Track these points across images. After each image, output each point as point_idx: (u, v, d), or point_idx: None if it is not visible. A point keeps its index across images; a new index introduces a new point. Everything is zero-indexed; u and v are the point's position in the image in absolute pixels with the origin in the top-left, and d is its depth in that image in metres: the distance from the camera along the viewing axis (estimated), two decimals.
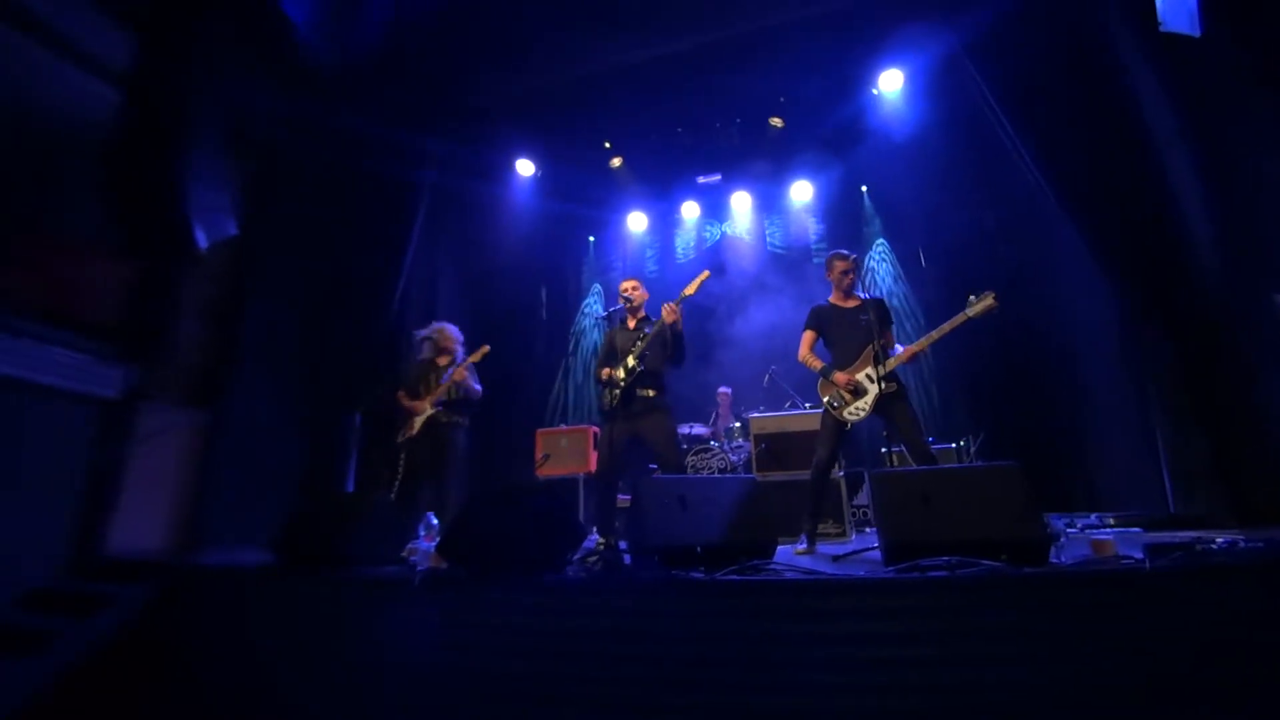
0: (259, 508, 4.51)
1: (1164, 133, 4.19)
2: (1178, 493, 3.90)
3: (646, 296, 4.19)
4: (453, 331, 4.73)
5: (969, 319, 3.49)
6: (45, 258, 3.91)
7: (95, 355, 3.99)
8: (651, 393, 3.85)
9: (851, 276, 3.84)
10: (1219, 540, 2.31)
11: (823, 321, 3.87)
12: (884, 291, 7.21)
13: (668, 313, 3.73)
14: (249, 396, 4.85)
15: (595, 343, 8.36)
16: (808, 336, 3.89)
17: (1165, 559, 2.07)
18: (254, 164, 5.14)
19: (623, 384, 3.81)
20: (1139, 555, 2.18)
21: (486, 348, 4.67)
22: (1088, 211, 4.45)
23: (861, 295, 3.87)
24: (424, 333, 4.73)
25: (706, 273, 3.94)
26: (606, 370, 3.93)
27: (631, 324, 4.11)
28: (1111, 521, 3.86)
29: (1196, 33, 3.47)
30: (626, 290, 4.12)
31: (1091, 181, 4.44)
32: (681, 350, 3.89)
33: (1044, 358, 5.73)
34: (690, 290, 3.85)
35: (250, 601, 3.02)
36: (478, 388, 4.58)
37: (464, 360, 4.59)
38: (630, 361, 3.85)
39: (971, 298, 3.50)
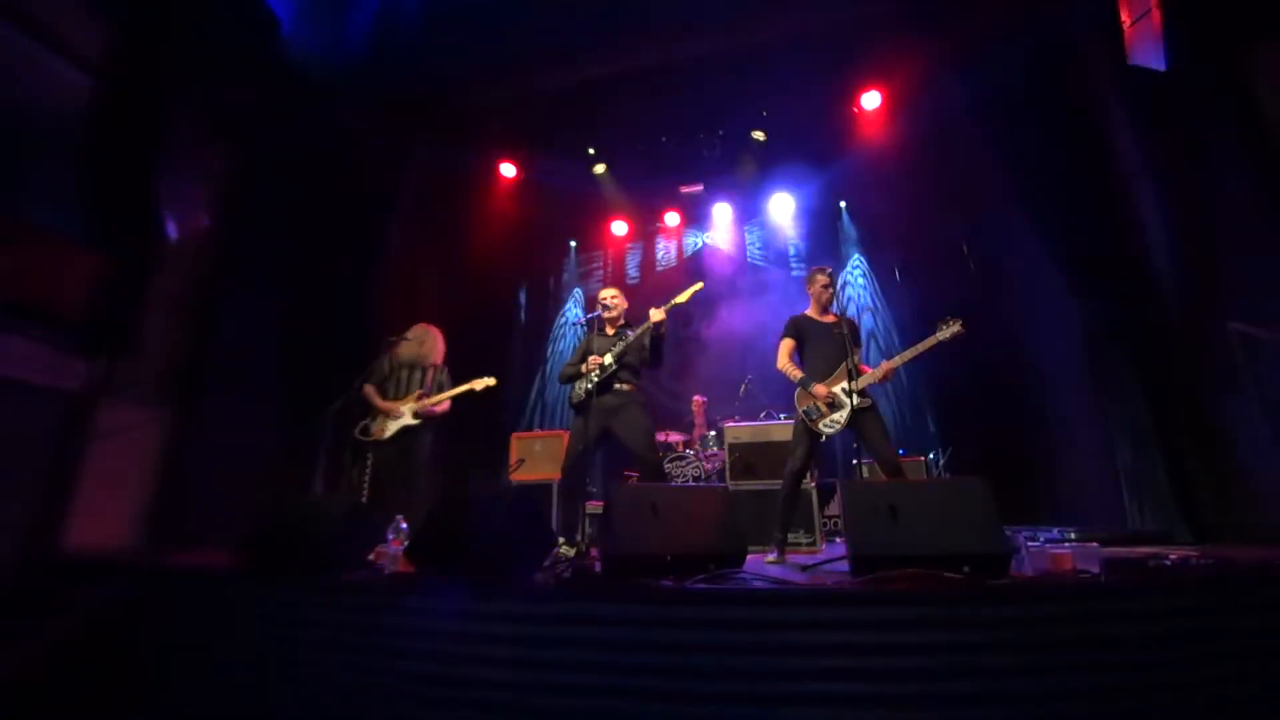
0: (226, 507, 4.42)
1: (1131, 159, 4.34)
2: (1135, 509, 4.02)
3: (626, 306, 4.22)
4: (437, 338, 4.67)
5: (939, 342, 3.62)
6: (6, 246, 3.80)
7: (58, 347, 3.89)
8: (628, 386, 3.86)
9: (831, 291, 3.94)
10: (1172, 557, 2.39)
11: (801, 332, 3.93)
12: (859, 306, 7.33)
13: (656, 314, 3.78)
14: (219, 393, 4.76)
15: (573, 348, 8.35)
16: (786, 344, 3.94)
17: (1120, 574, 2.14)
18: (231, 157, 5.06)
19: (598, 378, 3.81)
20: (1095, 570, 2.25)
21: (492, 381, 4.61)
22: (1056, 234, 4.58)
23: (836, 312, 3.95)
24: (410, 334, 4.64)
25: (700, 284, 3.99)
26: (594, 359, 3.89)
27: (610, 331, 4.13)
28: (1072, 536, 3.95)
29: (1163, 66, 3.60)
30: (607, 299, 4.14)
31: (1061, 205, 4.58)
32: (660, 355, 3.95)
33: (1012, 375, 5.87)
34: (682, 299, 3.90)
35: (215, 603, 2.96)
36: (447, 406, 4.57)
37: (457, 388, 4.55)
38: (607, 359, 3.85)
39: (940, 324, 3.63)
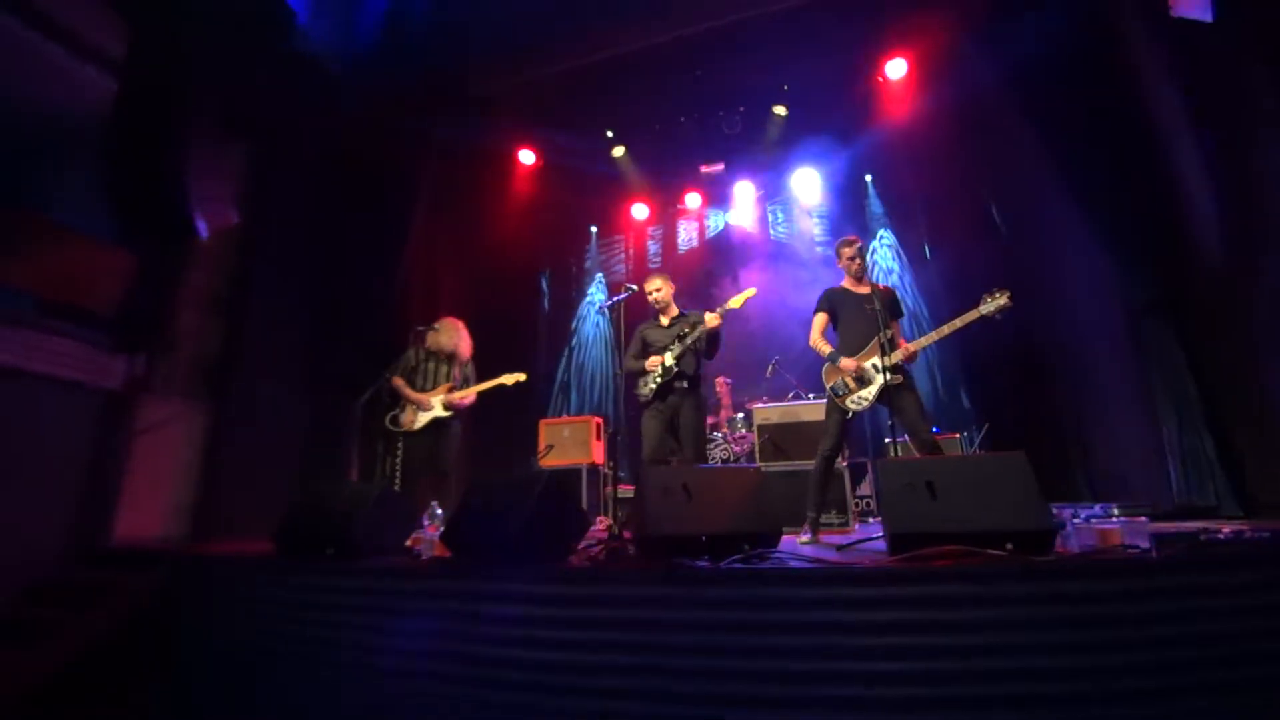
0: (262, 497, 4.52)
1: (1172, 119, 4.15)
2: (1182, 483, 3.89)
3: (674, 289, 4.32)
4: (464, 332, 4.70)
5: (981, 317, 3.40)
6: (45, 247, 3.89)
7: (96, 345, 3.99)
8: (686, 384, 4.01)
9: (859, 261, 3.80)
10: (1225, 530, 2.30)
11: (834, 305, 3.83)
12: (886, 281, 7.18)
13: (712, 320, 3.91)
14: (252, 386, 4.85)
15: (598, 332, 8.35)
16: (819, 320, 3.85)
17: (1172, 548, 2.07)
18: (254, 151, 5.11)
19: (660, 379, 3.96)
20: (1145, 545, 2.18)
21: (522, 376, 4.69)
22: (1094, 200, 4.42)
23: (875, 282, 3.83)
24: (438, 326, 4.67)
25: (753, 290, 4.02)
26: (655, 359, 4.01)
27: (665, 321, 4.22)
28: (1116, 512, 3.84)
29: (1209, 18, 3.41)
30: (652, 291, 4.23)
31: (1098, 169, 4.40)
32: (716, 350, 4.09)
33: (1048, 347, 5.70)
34: (736, 304, 3.95)
35: (256, 591, 3.02)
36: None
37: (487, 382, 4.62)
38: (668, 361, 3.97)
39: (986, 296, 3.41)
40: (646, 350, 4.12)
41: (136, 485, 4.11)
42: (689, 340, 3.96)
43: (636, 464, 5.48)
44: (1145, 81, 4.32)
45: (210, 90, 4.64)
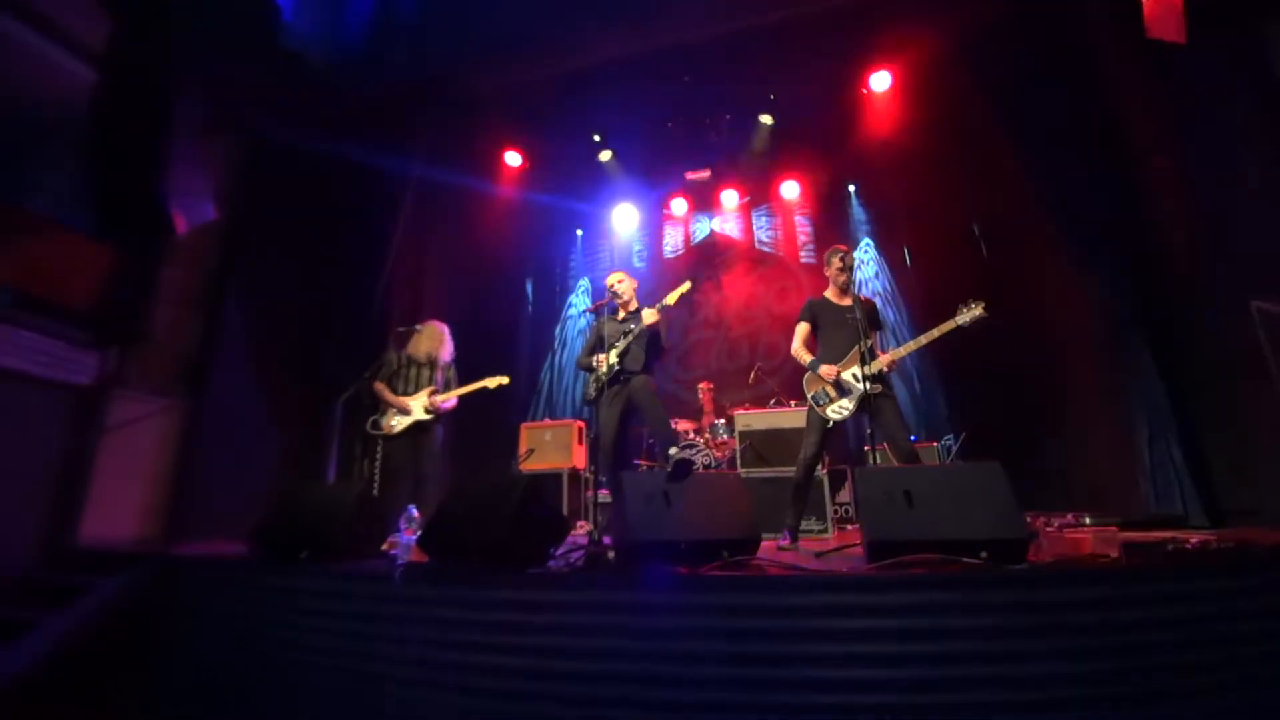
0: (238, 498, 4.44)
1: (1148, 137, 4.25)
2: (1152, 494, 3.97)
3: (635, 285, 4.28)
4: (447, 336, 4.66)
5: (958, 327, 3.44)
6: (22, 239, 3.81)
7: (68, 340, 3.90)
8: (632, 374, 3.94)
9: (847, 274, 3.81)
10: (1192, 540, 2.35)
11: (817, 315, 3.85)
12: (869, 290, 7.25)
13: (649, 316, 3.87)
14: (229, 385, 4.78)
15: (582, 335, 8.33)
16: (802, 329, 3.86)
17: (1140, 558, 2.11)
18: (237, 147, 5.05)
19: (605, 377, 3.92)
20: (1114, 554, 2.22)
21: (505, 379, 4.65)
22: (1071, 216, 4.51)
23: (856, 294, 3.86)
24: (420, 329, 4.61)
25: (689, 284, 4.04)
26: (602, 357, 3.96)
27: (621, 315, 4.17)
28: (1088, 521, 3.92)
29: (1183, 39, 3.51)
30: (613, 284, 4.17)
31: (1076, 185, 4.50)
32: (659, 349, 4.03)
33: (1025, 359, 5.79)
34: (671, 300, 3.97)
35: (232, 594, 2.97)
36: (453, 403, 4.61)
37: (470, 385, 4.57)
38: (612, 359, 3.94)
39: (962, 307, 3.45)
40: (602, 345, 4.06)
41: (108, 484, 4.02)
42: (631, 337, 3.96)
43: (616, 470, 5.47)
44: (1124, 99, 4.42)
45: (193, 85, 4.58)
